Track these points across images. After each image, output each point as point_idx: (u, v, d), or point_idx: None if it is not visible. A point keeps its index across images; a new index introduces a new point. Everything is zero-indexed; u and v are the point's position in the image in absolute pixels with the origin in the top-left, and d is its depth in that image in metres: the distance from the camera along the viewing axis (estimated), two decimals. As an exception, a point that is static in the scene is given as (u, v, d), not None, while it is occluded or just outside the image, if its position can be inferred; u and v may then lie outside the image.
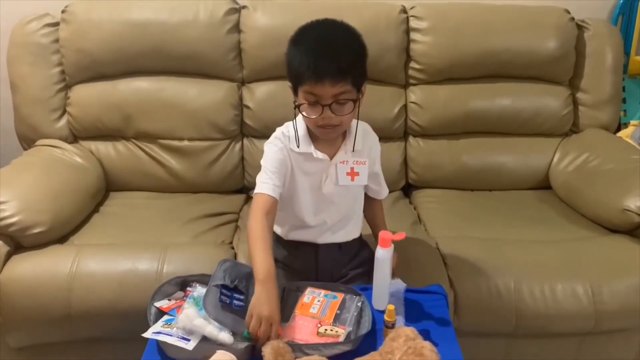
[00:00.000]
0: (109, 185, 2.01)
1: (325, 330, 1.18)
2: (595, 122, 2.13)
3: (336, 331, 1.17)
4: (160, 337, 1.13)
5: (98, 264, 1.56)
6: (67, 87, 2.02)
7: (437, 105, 2.05)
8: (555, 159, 2.08)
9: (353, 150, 1.37)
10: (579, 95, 2.13)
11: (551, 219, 1.89)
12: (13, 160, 1.85)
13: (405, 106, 2.07)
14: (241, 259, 1.62)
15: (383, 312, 1.21)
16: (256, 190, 1.32)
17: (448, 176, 2.08)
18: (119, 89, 1.98)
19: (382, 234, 1.24)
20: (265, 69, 2.00)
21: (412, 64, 2.06)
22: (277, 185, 1.31)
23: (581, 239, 1.75)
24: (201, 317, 1.15)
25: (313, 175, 1.38)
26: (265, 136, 1.41)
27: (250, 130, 2.04)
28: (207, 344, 1.12)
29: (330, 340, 1.15)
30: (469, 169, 2.07)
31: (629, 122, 2.27)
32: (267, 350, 1.06)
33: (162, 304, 1.24)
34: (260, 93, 2.02)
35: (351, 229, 1.48)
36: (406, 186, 2.13)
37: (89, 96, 1.99)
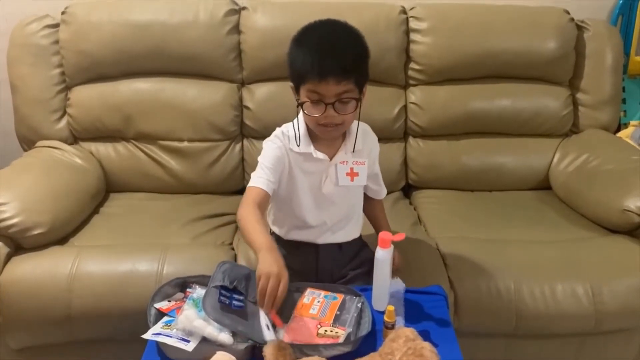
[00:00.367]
0: (109, 186, 2.01)
1: (325, 331, 1.18)
2: (595, 123, 2.13)
3: (336, 332, 1.17)
4: (160, 339, 1.13)
5: (98, 265, 1.56)
6: (67, 88, 2.02)
7: (437, 106, 2.05)
8: (555, 160, 2.08)
9: (353, 151, 1.37)
10: (579, 95, 2.13)
11: (551, 220, 1.89)
12: (13, 162, 1.86)
13: (405, 107, 2.07)
14: (241, 261, 1.62)
15: (383, 312, 1.21)
16: (249, 184, 1.32)
17: (448, 177, 2.08)
18: (119, 90, 1.98)
19: (382, 235, 1.24)
20: (265, 69, 2.00)
21: (412, 65, 2.06)
22: (271, 181, 1.31)
23: (581, 240, 1.75)
24: (201, 318, 1.15)
25: (313, 176, 1.38)
26: (265, 137, 1.41)
27: (250, 131, 2.04)
28: (207, 345, 1.12)
29: (330, 341, 1.15)
30: (469, 169, 2.07)
31: (629, 123, 2.27)
32: (268, 351, 1.06)
33: (162, 305, 1.24)
34: (260, 94, 2.02)
35: (351, 229, 1.48)
36: (406, 187, 2.13)
37: (89, 97, 1.99)
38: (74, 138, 2.03)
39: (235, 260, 1.63)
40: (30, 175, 1.77)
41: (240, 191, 2.08)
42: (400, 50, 2.03)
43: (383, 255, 1.23)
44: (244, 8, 2.02)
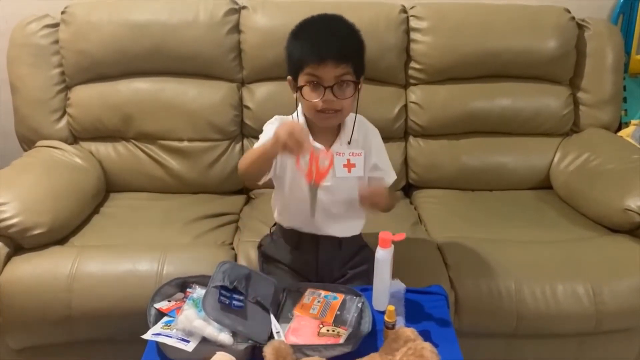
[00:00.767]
0: (109, 186, 2.01)
1: (327, 330, 1.17)
2: (596, 122, 2.12)
3: (337, 332, 1.17)
4: (160, 339, 1.13)
5: (98, 265, 1.56)
6: (67, 88, 2.02)
7: (438, 105, 2.05)
8: (555, 159, 2.08)
9: (349, 143, 1.38)
10: (580, 94, 2.12)
11: (552, 219, 1.89)
12: (13, 162, 1.86)
13: (405, 106, 2.06)
14: (241, 261, 1.62)
15: (383, 312, 1.20)
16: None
17: (448, 176, 2.08)
18: (119, 89, 1.98)
19: (382, 235, 1.24)
20: (265, 69, 1.99)
21: (412, 64, 2.05)
22: None
23: (582, 239, 1.74)
24: (201, 318, 1.15)
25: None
26: (265, 137, 1.41)
27: (250, 130, 2.03)
28: (207, 345, 1.12)
29: (331, 341, 1.15)
30: (469, 169, 2.07)
31: (630, 122, 2.27)
32: (268, 351, 1.06)
33: (162, 305, 1.24)
34: (260, 93, 2.02)
35: (351, 224, 1.48)
36: (407, 186, 2.13)
37: (89, 97, 1.99)
38: (74, 138, 2.03)
39: (235, 260, 1.63)
40: (30, 175, 1.77)
41: (240, 191, 2.08)
42: (401, 50, 2.02)
43: (383, 255, 1.23)
44: (244, 7, 2.02)
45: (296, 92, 1.33)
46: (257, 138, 1.99)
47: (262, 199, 1.97)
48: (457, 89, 2.05)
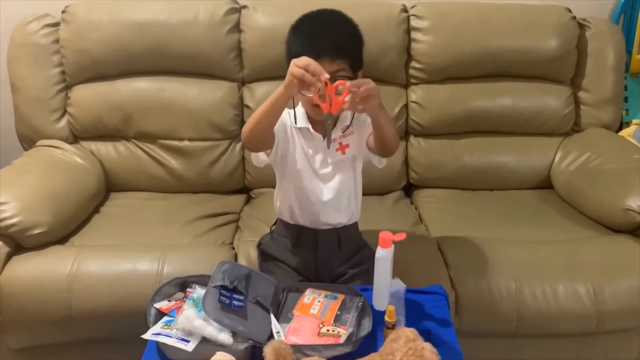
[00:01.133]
0: (109, 185, 2.01)
1: (328, 330, 1.17)
2: (597, 122, 2.12)
3: (338, 332, 1.17)
4: (160, 339, 1.13)
5: (98, 265, 1.56)
6: (68, 87, 2.02)
7: (438, 105, 2.04)
8: (556, 159, 2.08)
9: (345, 131, 1.40)
10: (581, 94, 2.12)
11: (553, 219, 1.89)
12: (13, 161, 1.86)
13: (406, 105, 2.06)
14: (241, 260, 1.62)
15: (383, 312, 1.20)
16: None
17: (449, 176, 2.07)
18: (119, 89, 1.98)
19: (383, 235, 1.23)
20: (266, 68, 1.99)
21: (413, 64, 2.05)
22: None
23: (583, 239, 1.74)
24: (201, 318, 1.15)
25: (309, 153, 1.41)
26: (266, 137, 1.41)
27: (250, 130, 2.03)
28: (207, 345, 1.12)
29: (331, 341, 1.15)
30: (470, 168, 2.07)
31: (631, 121, 2.26)
32: (268, 351, 1.05)
33: (162, 305, 1.24)
34: (260, 93, 2.01)
35: (350, 212, 1.48)
36: (407, 186, 2.13)
37: (89, 96, 1.99)
38: (74, 137, 2.03)
39: (236, 260, 1.63)
40: (31, 175, 1.77)
41: (241, 191, 2.08)
42: (401, 49, 2.02)
43: (383, 255, 1.23)
44: (244, 7, 2.02)
45: None
46: (257, 138, 2.03)
47: (263, 199, 1.97)
48: (457, 89, 2.05)
